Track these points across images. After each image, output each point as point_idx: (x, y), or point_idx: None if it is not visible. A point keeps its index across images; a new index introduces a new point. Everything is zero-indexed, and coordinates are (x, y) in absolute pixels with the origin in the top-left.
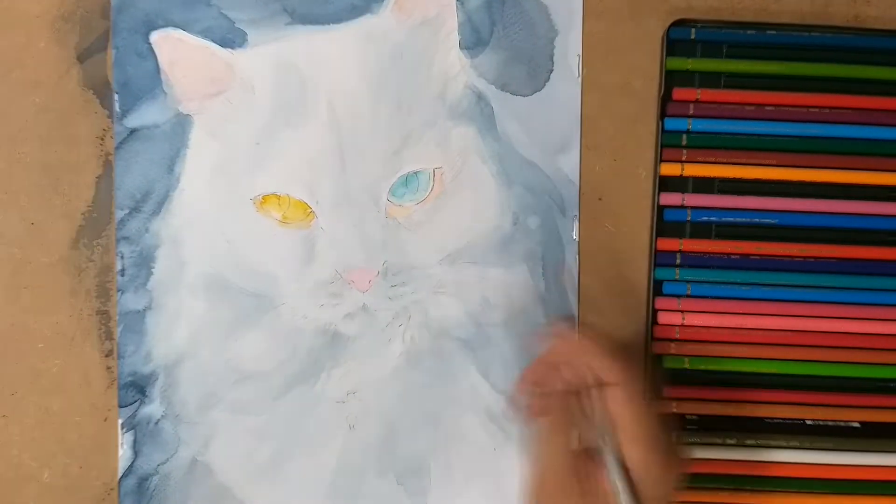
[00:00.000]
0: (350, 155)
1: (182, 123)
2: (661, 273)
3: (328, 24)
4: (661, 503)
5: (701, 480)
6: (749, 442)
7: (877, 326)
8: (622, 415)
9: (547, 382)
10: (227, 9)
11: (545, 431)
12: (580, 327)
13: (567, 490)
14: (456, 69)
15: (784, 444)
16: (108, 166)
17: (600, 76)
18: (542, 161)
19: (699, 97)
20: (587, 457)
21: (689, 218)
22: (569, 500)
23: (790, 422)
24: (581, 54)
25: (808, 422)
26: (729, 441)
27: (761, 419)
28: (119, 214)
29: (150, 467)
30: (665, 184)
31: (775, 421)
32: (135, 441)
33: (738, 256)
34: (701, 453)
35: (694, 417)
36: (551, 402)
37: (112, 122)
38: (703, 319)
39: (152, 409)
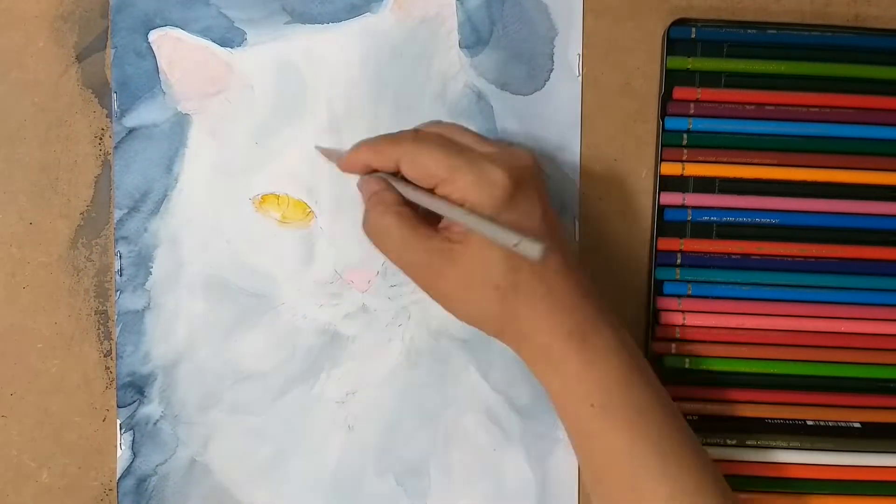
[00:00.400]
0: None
1: (181, 123)
2: (662, 273)
3: (327, 23)
4: (522, 200)
5: None
6: (749, 442)
7: (877, 326)
8: (424, 174)
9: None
10: (226, 8)
11: (377, 225)
12: None
13: (424, 266)
14: (456, 68)
15: (784, 444)
16: (106, 166)
17: (600, 75)
18: (542, 161)
19: (700, 96)
20: (427, 222)
21: (689, 218)
22: (430, 272)
23: (791, 422)
24: (581, 53)
25: (809, 422)
26: (729, 441)
27: (762, 419)
28: (118, 214)
29: (149, 467)
30: (665, 183)
31: (776, 421)
32: (133, 441)
33: (738, 256)
34: None
35: (694, 417)
36: (377, 189)
37: (111, 122)
38: (703, 319)
39: (151, 409)
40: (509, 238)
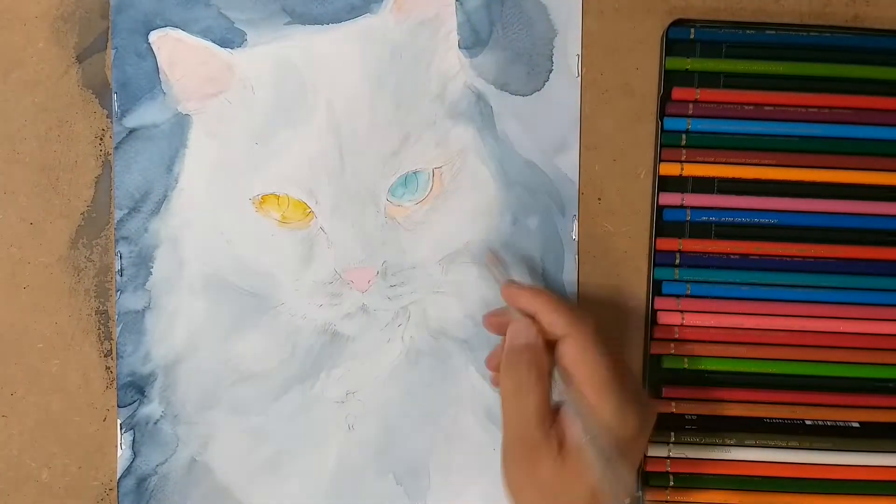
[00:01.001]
0: (349, 155)
1: (181, 123)
2: (661, 273)
3: (327, 23)
4: (634, 451)
5: (701, 481)
6: (748, 442)
7: (876, 326)
8: (576, 366)
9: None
10: (227, 9)
11: (511, 390)
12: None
13: (538, 450)
14: (455, 69)
15: (783, 444)
16: (107, 166)
17: (599, 76)
18: (541, 161)
19: (698, 97)
20: (557, 414)
21: (688, 218)
22: (542, 462)
23: (789, 422)
24: (580, 54)
25: (808, 422)
26: (728, 441)
27: (760, 419)
28: (118, 214)
29: (149, 467)
30: (664, 183)
31: (775, 421)
32: (134, 441)
33: (737, 256)
34: (700, 453)
35: (693, 417)
36: (524, 349)
37: (111, 122)
38: (702, 319)
39: (151, 409)
40: (622, 492)
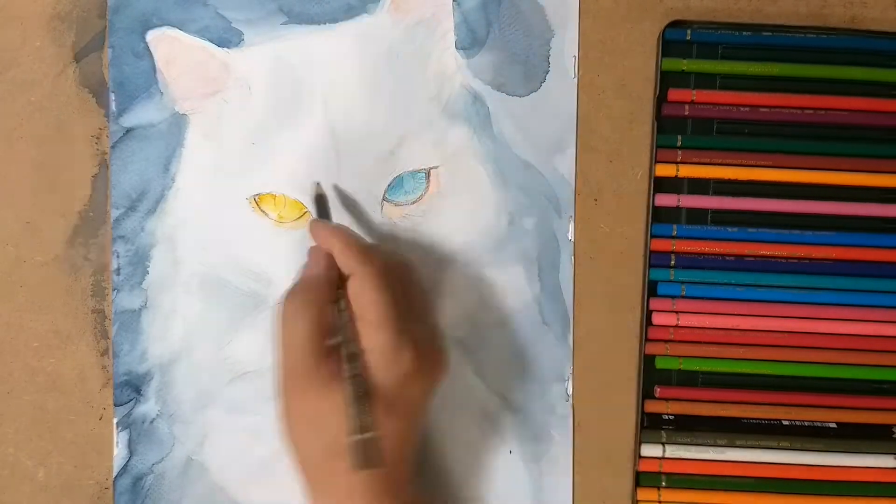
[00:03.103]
0: (346, 155)
1: (178, 123)
2: (656, 274)
3: (324, 23)
4: (408, 395)
5: (694, 482)
6: (739, 443)
7: (875, 328)
8: (355, 301)
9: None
10: (224, 8)
11: (288, 317)
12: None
13: (307, 379)
14: (452, 69)
15: (774, 444)
16: (103, 165)
17: (596, 77)
18: (537, 162)
19: (695, 98)
20: (329, 346)
21: (684, 218)
22: (309, 392)
23: (783, 423)
24: (577, 55)
25: (806, 423)
26: (720, 442)
27: (757, 420)
28: (115, 213)
29: (145, 466)
30: (660, 184)
31: (770, 422)
32: (130, 440)
33: (732, 258)
34: (693, 454)
35: (671, 417)
36: (309, 277)
37: (108, 122)
38: (697, 320)
39: (147, 408)
40: (352, 427)
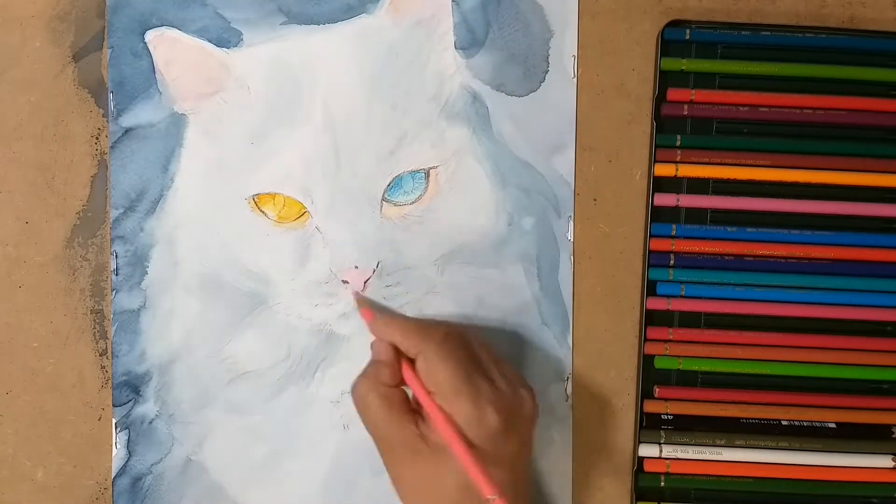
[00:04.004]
0: (345, 155)
1: (177, 123)
2: (655, 273)
3: (323, 23)
4: (508, 445)
5: (693, 482)
6: (738, 442)
7: (874, 328)
8: (429, 379)
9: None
10: (223, 8)
11: (362, 394)
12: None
13: (415, 447)
14: (451, 69)
15: (773, 444)
16: (102, 165)
17: (595, 77)
18: (536, 161)
19: (694, 98)
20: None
21: (683, 218)
22: (419, 456)
23: (781, 423)
24: (576, 55)
25: (805, 423)
26: (719, 442)
27: (756, 420)
28: (114, 213)
29: (144, 467)
30: (659, 184)
31: (771, 422)
32: (129, 440)
33: (731, 257)
34: (692, 454)
35: (670, 417)
36: (376, 361)
37: (107, 122)
38: (696, 320)
39: (146, 408)
40: (487, 489)
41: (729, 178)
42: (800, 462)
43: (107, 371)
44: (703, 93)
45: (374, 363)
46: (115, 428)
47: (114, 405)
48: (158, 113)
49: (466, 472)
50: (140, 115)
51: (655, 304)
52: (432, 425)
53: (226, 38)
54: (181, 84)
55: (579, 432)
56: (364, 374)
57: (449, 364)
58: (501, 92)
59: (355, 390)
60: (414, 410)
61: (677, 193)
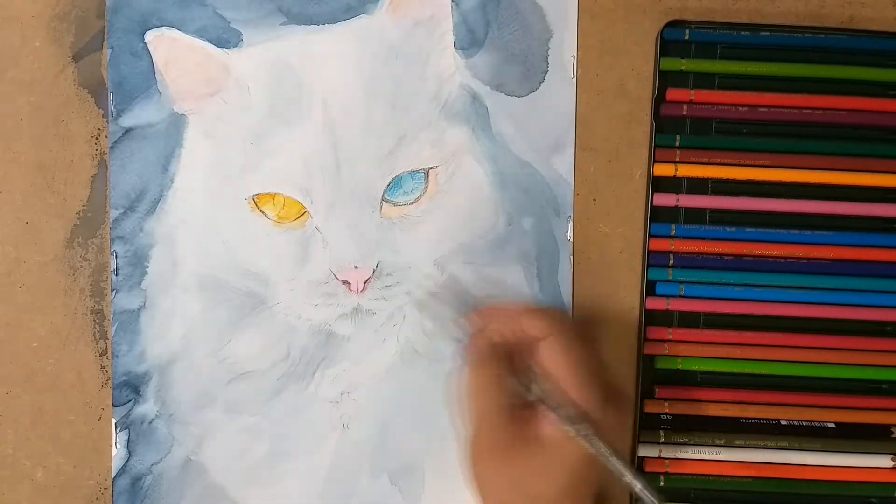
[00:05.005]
0: (345, 155)
1: (177, 123)
2: (655, 273)
3: (323, 24)
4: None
5: (692, 481)
6: (737, 442)
7: (873, 328)
8: (559, 366)
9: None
10: (222, 8)
11: (481, 386)
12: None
13: (510, 444)
14: (451, 70)
15: (773, 444)
16: (102, 166)
17: (595, 77)
18: (536, 161)
19: (693, 98)
20: (523, 410)
21: (682, 218)
22: (516, 455)
23: (786, 423)
24: (576, 55)
25: (804, 423)
26: (718, 441)
27: (755, 420)
28: (113, 214)
29: (144, 467)
30: (659, 184)
31: (771, 422)
32: (129, 440)
33: (731, 257)
34: (692, 454)
35: (669, 417)
36: (485, 352)
37: (107, 122)
38: (696, 320)
39: (146, 408)
40: (628, 476)
41: (728, 179)
42: (799, 462)
43: (107, 371)
44: (702, 93)
45: (481, 358)
46: (115, 428)
47: (114, 405)
48: (158, 113)
49: (593, 456)
50: (140, 115)
51: (655, 303)
52: (549, 417)
53: (226, 39)
54: (181, 84)
55: None
56: (477, 363)
57: (582, 355)
58: (501, 92)
59: (470, 382)
60: (526, 405)
61: (677, 193)
